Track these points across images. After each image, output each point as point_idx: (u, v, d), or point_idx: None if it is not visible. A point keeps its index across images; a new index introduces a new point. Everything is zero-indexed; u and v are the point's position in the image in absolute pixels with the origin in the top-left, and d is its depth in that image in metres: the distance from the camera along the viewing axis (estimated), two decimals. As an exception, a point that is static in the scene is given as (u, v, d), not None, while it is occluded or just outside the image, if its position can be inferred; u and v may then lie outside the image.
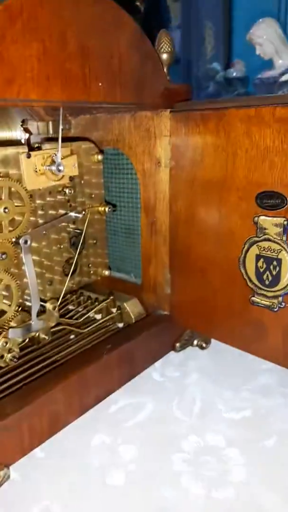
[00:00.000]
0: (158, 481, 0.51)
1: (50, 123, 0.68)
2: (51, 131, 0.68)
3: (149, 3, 1.19)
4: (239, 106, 0.55)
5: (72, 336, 0.69)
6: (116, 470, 0.52)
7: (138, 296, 0.76)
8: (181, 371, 0.71)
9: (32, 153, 0.59)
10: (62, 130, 0.65)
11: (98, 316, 0.73)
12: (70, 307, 0.76)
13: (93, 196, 0.72)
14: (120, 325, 0.74)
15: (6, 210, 0.56)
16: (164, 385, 0.68)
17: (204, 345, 0.76)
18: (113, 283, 0.81)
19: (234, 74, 1.69)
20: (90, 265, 0.75)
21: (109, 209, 0.73)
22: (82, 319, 0.71)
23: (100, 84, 0.53)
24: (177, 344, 0.74)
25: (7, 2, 0.44)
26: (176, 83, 0.66)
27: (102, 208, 0.72)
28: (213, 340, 0.76)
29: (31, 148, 0.61)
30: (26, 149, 0.59)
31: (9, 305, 0.59)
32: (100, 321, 0.72)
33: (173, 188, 0.66)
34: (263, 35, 1.29)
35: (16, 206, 0.57)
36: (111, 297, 0.74)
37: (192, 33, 2.81)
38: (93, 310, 0.72)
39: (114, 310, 0.73)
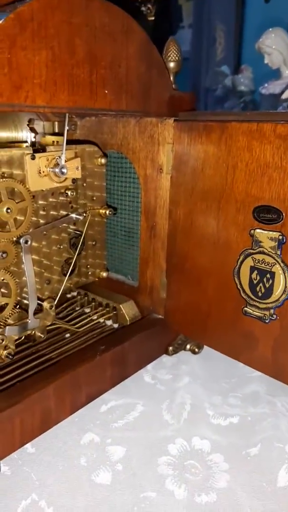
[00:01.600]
0: (143, 482, 0.52)
1: (56, 123, 0.69)
2: (57, 131, 0.69)
3: (160, 5, 1.20)
4: (242, 120, 0.56)
5: (67, 335, 0.70)
6: (104, 469, 0.54)
7: (134, 298, 0.77)
8: (173, 375, 0.73)
9: (37, 155, 0.60)
10: (68, 131, 0.66)
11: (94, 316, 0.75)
12: (67, 306, 0.78)
13: (94, 198, 0.73)
14: (115, 326, 0.75)
15: (9, 210, 0.57)
16: (155, 387, 0.70)
17: (196, 350, 0.77)
18: (111, 284, 0.82)
19: (242, 80, 1.70)
20: (88, 266, 0.76)
21: (110, 212, 0.74)
22: (82, 322, 0.73)
23: (106, 91, 0.54)
24: (170, 348, 0.75)
25: (18, 9, 0.45)
26: (183, 91, 0.67)
27: (103, 211, 0.73)
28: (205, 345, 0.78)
29: (36, 149, 0.62)
30: (31, 150, 0.60)
31: (7, 303, 0.60)
32: (95, 321, 0.73)
33: (173, 194, 0.67)
34: (272, 45, 1.30)
35: (19, 206, 0.58)
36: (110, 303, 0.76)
37: (203, 33, 2.81)
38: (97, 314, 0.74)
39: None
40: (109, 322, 0.74)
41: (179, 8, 2.68)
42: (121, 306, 0.75)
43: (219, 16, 2.70)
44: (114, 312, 0.75)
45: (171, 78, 0.65)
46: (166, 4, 1.30)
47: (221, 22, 2.71)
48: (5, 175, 0.58)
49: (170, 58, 0.65)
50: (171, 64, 0.65)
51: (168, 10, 1.45)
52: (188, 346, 0.78)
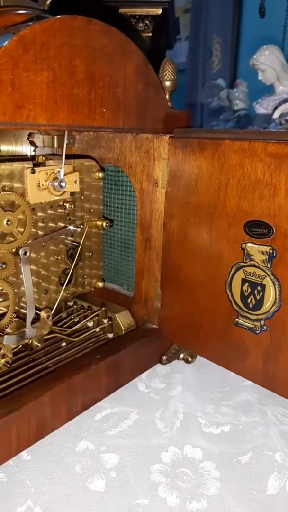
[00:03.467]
0: (137, 489, 0.53)
1: (55, 137, 0.71)
2: (55, 145, 0.71)
3: (157, 21, 1.23)
4: (234, 138, 0.58)
5: (63, 344, 0.71)
6: (98, 477, 0.55)
7: (129, 308, 0.79)
8: (166, 383, 0.74)
9: (36, 169, 0.62)
10: (67, 145, 0.68)
11: (90, 324, 0.76)
12: (64, 315, 0.79)
13: (91, 210, 0.75)
14: (110, 335, 0.76)
15: (9, 222, 0.58)
16: (149, 396, 0.71)
17: (190, 359, 0.79)
18: (106, 294, 0.83)
19: (237, 94, 1.73)
20: (85, 276, 0.78)
21: (106, 224, 0.76)
22: (75, 328, 0.74)
23: (104, 110, 0.56)
24: (164, 357, 0.77)
25: (21, 32, 0.47)
26: (178, 108, 0.70)
27: (100, 223, 0.75)
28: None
29: (35, 163, 0.64)
30: (31, 164, 0.62)
31: (6, 312, 0.62)
32: (91, 331, 0.75)
33: (168, 208, 0.69)
34: (266, 62, 1.33)
35: (18, 218, 0.60)
36: (103, 308, 0.77)
37: (199, 46, 2.87)
38: (85, 320, 0.75)
39: (105, 320, 0.76)
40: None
41: (176, 20, 2.73)
42: (116, 315, 0.76)
43: (216, 29, 2.76)
44: (110, 322, 0.76)
45: (167, 96, 0.67)
46: (164, 19, 1.33)
47: (217, 35, 2.76)
48: (6, 188, 0.59)
49: (166, 77, 0.67)
50: (167, 83, 0.67)
51: (166, 25, 1.49)
52: (181, 355, 0.79)
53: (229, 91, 1.79)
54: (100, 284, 0.81)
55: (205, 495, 0.53)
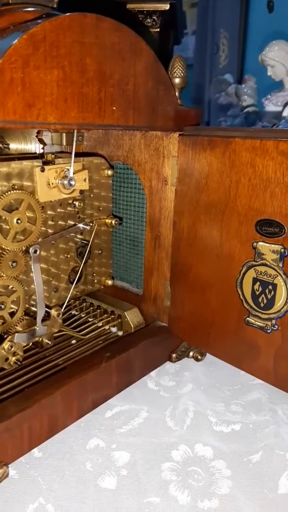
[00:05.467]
0: (148, 488, 0.53)
1: (64, 135, 0.71)
2: (64, 142, 0.71)
3: (165, 16, 1.22)
4: (245, 136, 0.57)
5: (73, 341, 0.72)
6: (109, 474, 0.55)
7: (138, 306, 0.79)
8: (176, 381, 0.74)
9: (46, 167, 0.62)
10: (75, 142, 0.68)
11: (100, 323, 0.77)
12: (73, 312, 0.79)
13: (101, 208, 0.75)
14: (120, 333, 0.76)
15: (19, 221, 0.58)
16: (158, 394, 0.71)
17: (199, 357, 0.79)
18: (116, 291, 0.83)
19: (245, 89, 1.72)
20: (94, 274, 0.78)
21: (116, 222, 0.75)
22: (88, 329, 0.74)
23: (114, 108, 0.56)
24: (174, 355, 0.77)
25: (31, 30, 0.47)
26: (188, 106, 0.69)
27: (109, 221, 0.75)
28: (208, 353, 0.79)
29: (45, 161, 0.64)
30: (40, 162, 0.62)
31: (16, 310, 0.62)
32: (101, 328, 0.75)
33: (177, 206, 0.69)
34: (275, 57, 1.32)
35: (28, 217, 0.60)
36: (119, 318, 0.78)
37: (207, 40, 2.84)
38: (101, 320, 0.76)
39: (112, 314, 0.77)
40: (114, 329, 0.76)
41: (183, 14, 2.71)
42: (125, 313, 0.76)
43: (223, 23, 2.73)
44: (119, 320, 0.77)
45: (177, 94, 0.66)
46: (172, 14, 1.32)
47: (225, 29, 2.73)
48: (16, 186, 0.59)
49: (175, 74, 0.66)
50: (176, 80, 0.66)
51: (174, 20, 1.47)
52: (191, 353, 0.79)
53: (237, 87, 1.77)
54: (109, 282, 0.81)
55: (217, 494, 0.53)
